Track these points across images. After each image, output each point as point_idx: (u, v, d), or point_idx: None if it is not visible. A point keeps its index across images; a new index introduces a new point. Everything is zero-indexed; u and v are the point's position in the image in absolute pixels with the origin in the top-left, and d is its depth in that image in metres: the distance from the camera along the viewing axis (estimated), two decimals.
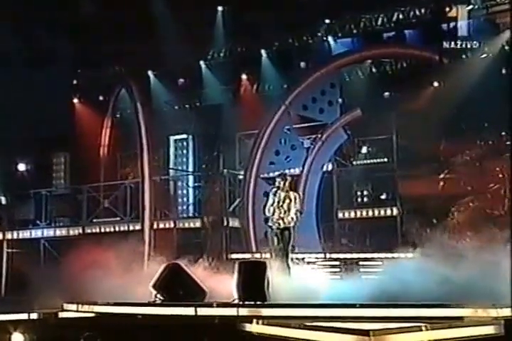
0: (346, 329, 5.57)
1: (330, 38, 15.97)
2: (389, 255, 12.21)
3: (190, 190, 15.80)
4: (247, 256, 12.80)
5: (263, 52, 16.50)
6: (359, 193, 14.72)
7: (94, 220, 15.58)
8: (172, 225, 14.36)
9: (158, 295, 8.30)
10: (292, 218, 9.23)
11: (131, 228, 14.80)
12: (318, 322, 7.07)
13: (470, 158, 13.58)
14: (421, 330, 5.21)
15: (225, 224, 13.84)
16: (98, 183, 16.05)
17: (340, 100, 15.30)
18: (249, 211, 14.05)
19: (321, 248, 13.84)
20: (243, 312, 7.41)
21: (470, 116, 13.63)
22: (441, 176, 13.69)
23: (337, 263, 12.61)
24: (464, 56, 13.96)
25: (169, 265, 8.48)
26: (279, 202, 9.22)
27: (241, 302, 7.61)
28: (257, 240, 13.90)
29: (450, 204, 13.36)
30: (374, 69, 15.63)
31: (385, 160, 14.72)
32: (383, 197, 14.50)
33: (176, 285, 8.22)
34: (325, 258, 12.74)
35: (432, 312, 7.03)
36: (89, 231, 15.48)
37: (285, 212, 9.20)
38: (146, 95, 15.96)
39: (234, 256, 13.09)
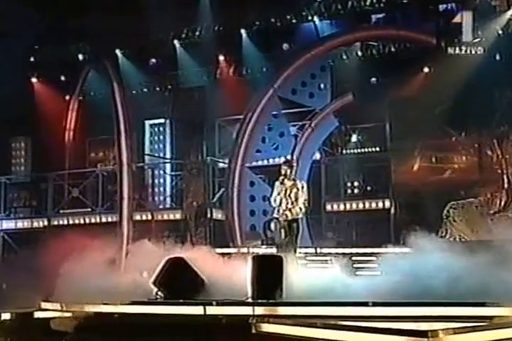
0: (401, 330, 5.42)
1: (316, 19, 15.76)
2: (383, 250, 12.13)
3: (168, 179, 15.44)
4: (233, 250, 12.57)
5: (243, 31, 16.18)
6: (349, 184, 14.64)
7: (61, 211, 15.09)
8: (149, 217, 13.99)
9: (160, 293, 7.99)
10: (300, 208, 9.03)
11: (103, 220, 14.39)
12: (344, 321, 6.98)
13: (468, 149, 13.60)
14: (481, 330, 5.10)
15: (209, 216, 13.54)
16: (66, 171, 15.52)
17: (330, 84, 15.12)
18: (234, 202, 13.81)
19: (310, 242, 13.70)
20: (258, 311, 7.19)
21: (468, 104, 13.68)
22: (439, 166, 13.71)
23: (328, 258, 12.49)
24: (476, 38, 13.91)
25: (171, 259, 8.17)
26: (286, 192, 9.00)
27: (255, 300, 7.37)
28: (242, 233, 13.70)
29: (447, 197, 13.38)
30: (366, 53, 15.47)
31: (377, 149, 14.69)
32: (375, 188, 14.47)
33: (179, 282, 7.92)
34: (316, 253, 12.61)
35: (459, 311, 6.99)
36: (55, 223, 14.98)
37: (292, 202, 8.99)
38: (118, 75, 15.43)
39: (218, 250, 12.83)
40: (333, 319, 6.78)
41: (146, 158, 15.91)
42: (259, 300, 7.36)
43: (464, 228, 13.07)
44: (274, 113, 14.67)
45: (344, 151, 14.95)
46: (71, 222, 14.81)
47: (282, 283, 7.47)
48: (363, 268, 11.75)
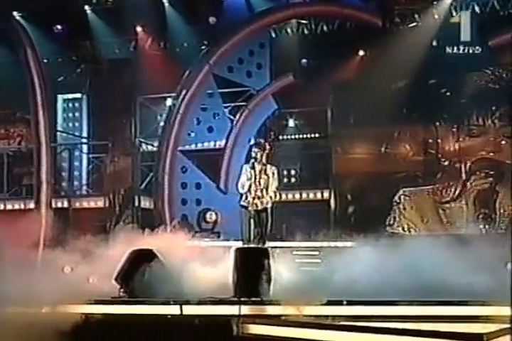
0: (454, 333, 5.29)
1: None
2: (325, 244, 12.09)
3: (85, 161, 14.60)
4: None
5: (165, 0, 15.59)
6: (285, 173, 14.48)
7: None
8: (66, 204, 13.18)
9: (123, 290, 7.45)
10: (271, 197, 8.71)
11: (8, 207, 13.41)
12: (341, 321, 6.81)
13: (416, 138, 13.76)
14: None
15: (136, 204, 12.95)
16: None
17: (269, 63, 14.87)
18: (165, 189, 13.29)
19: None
20: (244, 310, 6.85)
21: (411, 90, 13.86)
22: (384, 154, 13.80)
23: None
24: (415, 22, 14.15)
25: (136, 251, 7.63)
26: (255, 178, 8.64)
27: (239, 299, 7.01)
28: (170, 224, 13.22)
29: (394, 187, 13.51)
30: (297, 32, 15.30)
31: (317, 135, 14.61)
32: (313, 178, 14.41)
33: (144, 277, 7.40)
34: None
35: (435, 310, 7.00)
36: None
37: (262, 190, 8.64)
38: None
39: None
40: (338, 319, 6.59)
41: (59, 137, 14.91)
42: (244, 299, 7.00)
43: (413, 217, 13.31)
44: (210, 92, 14.24)
45: (281, 137, 14.76)
46: None
47: (270, 279, 7.17)
48: (306, 263, 11.70)
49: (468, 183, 12.88)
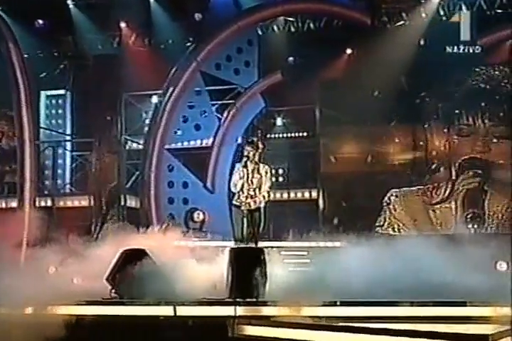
0: (459, 334, 5.28)
1: None
2: (313, 244, 12.07)
3: (68, 159, 14.45)
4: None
5: None
6: (273, 172, 14.44)
7: None
8: (50, 203, 13.03)
9: (114, 291, 7.36)
10: (264, 196, 8.65)
11: None
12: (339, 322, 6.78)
13: (407, 135, 13.76)
14: None
15: (122, 203, 12.84)
16: None
17: (258, 61, 14.83)
18: (152, 188, 13.20)
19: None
20: (240, 311, 6.80)
21: (402, 90, 13.89)
22: (373, 154, 13.79)
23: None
24: (402, 21, 14.20)
25: (127, 251, 7.54)
26: (247, 177, 8.58)
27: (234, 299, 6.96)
28: (160, 223, 13.11)
29: (384, 188, 13.52)
30: (284, 29, 15.27)
31: (305, 134, 14.60)
32: (301, 177, 14.38)
33: (135, 278, 7.33)
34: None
35: (430, 310, 7.01)
36: None
37: (254, 189, 8.58)
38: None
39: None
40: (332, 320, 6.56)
41: (42, 134, 14.73)
42: (240, 299, 6.95)
43: (403, 218, 13.34)
44: (197, 89, 14.18)
45: (268, 135, 14.72)
46: None
47: (266, 280, 7.13)
48: (295, 263, 11.67)
49: (457, 183, 12.95)
